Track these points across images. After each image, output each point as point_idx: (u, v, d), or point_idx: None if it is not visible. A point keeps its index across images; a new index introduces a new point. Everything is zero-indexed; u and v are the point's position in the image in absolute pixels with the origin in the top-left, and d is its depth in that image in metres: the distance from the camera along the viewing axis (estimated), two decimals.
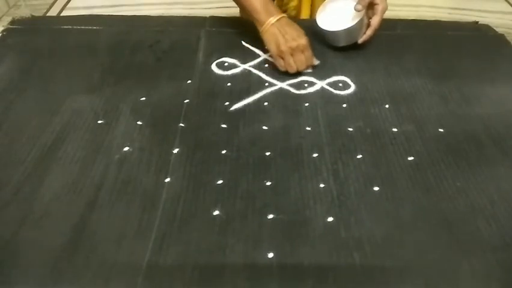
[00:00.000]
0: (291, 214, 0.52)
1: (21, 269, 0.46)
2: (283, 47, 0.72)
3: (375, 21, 0.77)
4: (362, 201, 0.54)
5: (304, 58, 0.73)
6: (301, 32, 0.74)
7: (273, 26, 0.73)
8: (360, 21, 0.76)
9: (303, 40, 0.72)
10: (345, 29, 0.76)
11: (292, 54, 0.72)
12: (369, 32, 0.78)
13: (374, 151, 0.61)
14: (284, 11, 1.00)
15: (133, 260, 0.47)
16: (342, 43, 0.80)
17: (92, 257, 0.47)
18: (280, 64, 0.74)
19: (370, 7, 0.77)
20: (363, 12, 0.76)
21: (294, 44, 0.72)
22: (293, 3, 0.98)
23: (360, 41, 0.79)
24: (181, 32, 0.86)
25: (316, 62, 0.76)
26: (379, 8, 0.76)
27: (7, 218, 0.51)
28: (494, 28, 0.91)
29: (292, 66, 0.73)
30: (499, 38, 0.88)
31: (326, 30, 0.78)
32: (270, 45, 0.73)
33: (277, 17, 0.73)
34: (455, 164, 0.59)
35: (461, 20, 0.99)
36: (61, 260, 0.46)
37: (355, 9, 0.75)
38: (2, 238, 0.49)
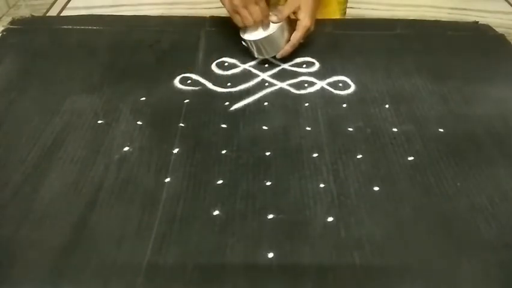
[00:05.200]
0: (291, 214, 0.52)
1: (21, 269, 0.46)
2: (235, 1, 0.70)
3: (294, 37, 0.75)
4: (362, 201, 0.54)
5: (259, 9, 0.70)
6: None
7: None
8: (276, 34, 0.73)
9: None
10: (257, 39, 0.73)
11: (245, 7, 0.70)
12: (286, 47, 0.75)
13: (374, 151, 0.61)
14: None
15: (133, 260, 0.47)
16: (259, 54, 0.77)
17: (92, 257, 0.47)
18: (238, 20, 0.72)
19: (294, 22, 0.75)
20: (279, 25, 0.73)
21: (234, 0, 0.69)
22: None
23: (278, 55, 0.76)
24: (181, 32, 0.86)
25: (273, 17, 0.72)
26: (301, 24, 0.74)
27: (7, 218, 0.51)
28: (494, 28, 0.91)
29: (248, 18, 0.71)
30: (499, 38, 0.88)
31: (244, 40, 0.76)
32: (224, 1, 0.72)
33: None
34: (455, 164, 0.59)
35: (461, 20, 0.99)
36: (61, 260, 0.46)
37: (270, 20, 0.73)
38: (2, 238, 0.49)
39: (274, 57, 0.77)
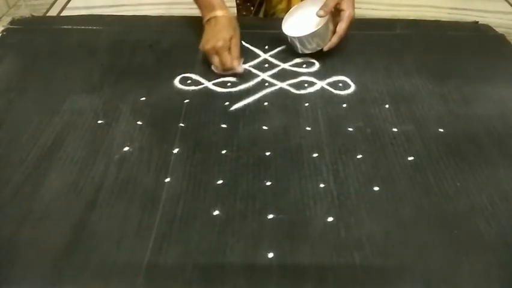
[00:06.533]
0: (291, 214, 0.52)
1: (21, 269, 0.46)
2: (206, 47, 0.73)
3: (340, 27, 0.75)
4: (362, 201, 0.54)
5: (217, 60, 0.73)
6: (223, 34, 0.72)
7: (206, 23, 0.76)
8: (324, 28, 0.74)
9: (219, 42, 0.71)
10: (305, 35, 0.74)
11: (216, 54, 0.72)
12: (334, 39, 0.76)
13: (374, 151, 0.61)
14: (272, 14, 1.00)
15: (133, 260, 0.47)
16: (305, 49, 0.78)
17: (92, 257, 0.47)
18: (216, 61, 0.74)
19: (337, 14, 0.75)
20: (327, 18, 0.73)
21: (208, 46, 0.72)
22: (281, 6, 0.97)
23: (325, 48, 0.76)
24: (181, 32, 0.86)
25: (239, 69, 0.73)
26: (345, 14, 0.74)
27: (7, 218, 0.51)
28: (494, 28, 0.91)
29: (215, 65, 0.74)
30: (499, 38, 0.88)
31: (289, 36, 0.76)
32: (201, 42, 0.75)
33: (210, 16, 0.76)
34: (455, 164, 0.59)
35: (461, 20, 0.99)
36: (61, 260, 0.46)
37: (317, 15, 0.73)
38: (2, 238, 0.49)
39: (320, 50, 0.77)
